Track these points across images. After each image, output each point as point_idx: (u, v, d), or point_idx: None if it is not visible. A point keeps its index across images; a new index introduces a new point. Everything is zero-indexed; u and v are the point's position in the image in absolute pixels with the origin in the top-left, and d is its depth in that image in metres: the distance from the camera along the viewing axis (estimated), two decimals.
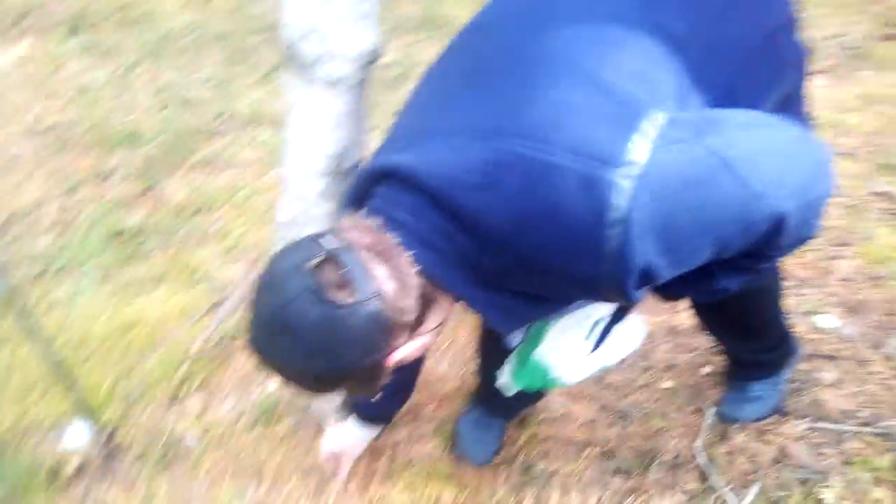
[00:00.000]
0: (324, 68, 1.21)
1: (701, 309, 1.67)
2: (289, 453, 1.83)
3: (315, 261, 0.97)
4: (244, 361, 2.14)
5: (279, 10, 1.23)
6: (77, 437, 1.90)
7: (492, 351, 1.72)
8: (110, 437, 1.87)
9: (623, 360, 1.42)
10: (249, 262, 2.52)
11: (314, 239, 1.02)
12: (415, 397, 1.93)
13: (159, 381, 2.07)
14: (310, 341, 0.98)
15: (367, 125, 1.36)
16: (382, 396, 1.17)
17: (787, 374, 1.85)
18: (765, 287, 1.58)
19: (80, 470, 1.83)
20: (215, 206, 2.77)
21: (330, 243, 0.99)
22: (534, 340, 1.36)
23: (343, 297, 0.96)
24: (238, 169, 2.93)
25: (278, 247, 1.48)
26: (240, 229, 2.65)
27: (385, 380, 1.15)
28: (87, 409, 1.72)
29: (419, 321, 1.06)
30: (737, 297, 1.46)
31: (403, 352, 1.06)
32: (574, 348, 1.34)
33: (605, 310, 1.33)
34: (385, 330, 1.00)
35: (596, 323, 1.35)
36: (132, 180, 2.90)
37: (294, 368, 1.04)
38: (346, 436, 1.69)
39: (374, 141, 1.20)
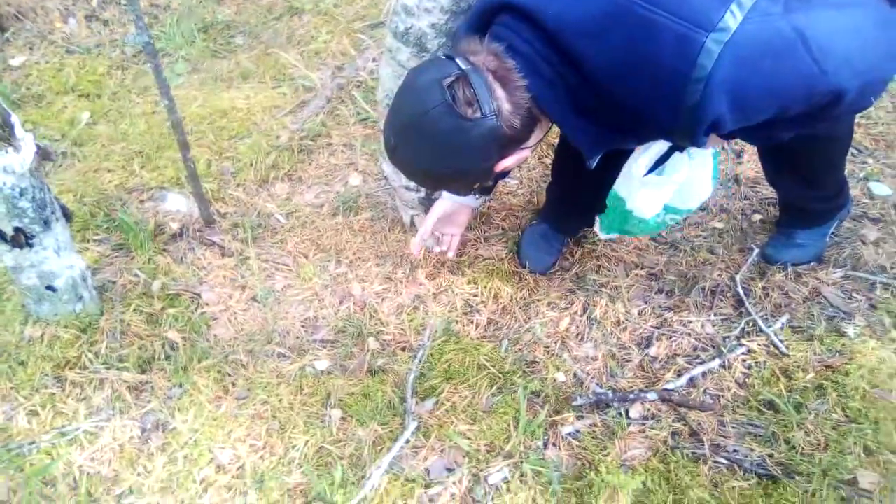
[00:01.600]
0: None
1: (769, 153, 1.78)
2: (366, 240, 2.03)
3: (450, 79, 1.18)
4: (326, 157, 2.31)
5: None
6: (179, 202, 2.12)
7: (563, 173, 1.86)
8: (208, 205, 2.08)
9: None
10: (333, 69, 2.63)
11: (449, 59, 1.22)
12: (487, 205, 2.10)
13: (250, 165, 2.25)
14: (439, 146, 1.22)
15: None
16: None
17: (832, 226, 1.98)
18: (836, 137, 1.67)
19: (182, 231, 2.05)
20: (302, 11, 2.84)
21: (463, 64, 1.19)
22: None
23: (470, 112, 1.17)
24: None
25: (392, 37, 1.60)
26: (325, 36, 2.73)
27: (490, 182, 1.40)
28: (194, 177, 1.90)
29: (523, 138, 1.28)
30: (808, 143, 1.57)
31: (508, 161, 1.29)
32: (641, 180, 1.51)
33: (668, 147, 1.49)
34: (498, 143, 1.23)
35: (661, 157, 1.49)
36: None
37: (423, 166, 1.31)
38: (455, 208, 1.73)
39: None
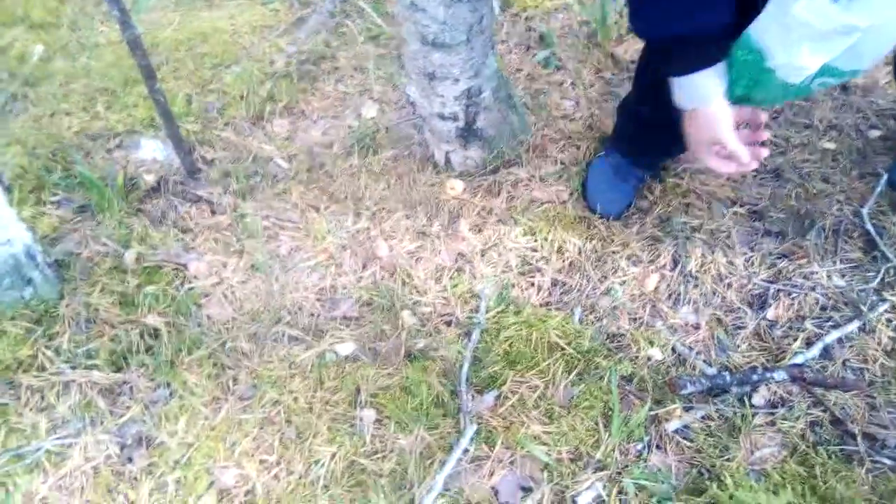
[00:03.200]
0: None
1: None
2: (390, 186, 1.62)
3: None
4: (333, 85, 1.88)
5: None
6: (155, 149, 1.70)
7: (648, 81, 1.41)
8: (191, 151, 1.67)
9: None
10: None
11: None
12: (539, 133, 1.67)
13: (240, 98, 1.82)
14: None
15: None
16: None
17: None
18: None
19: (159, 184, 1.64)
20: None
21: None
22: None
23: None
24: None
25: None
26: None
27: None
28: (167, 116, 1.49)
29: None
30: None
31: None
32: (799, 25, 0.97)
33: None
34: None
35: None
36: None
37: None
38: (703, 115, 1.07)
39: None
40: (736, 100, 1.14)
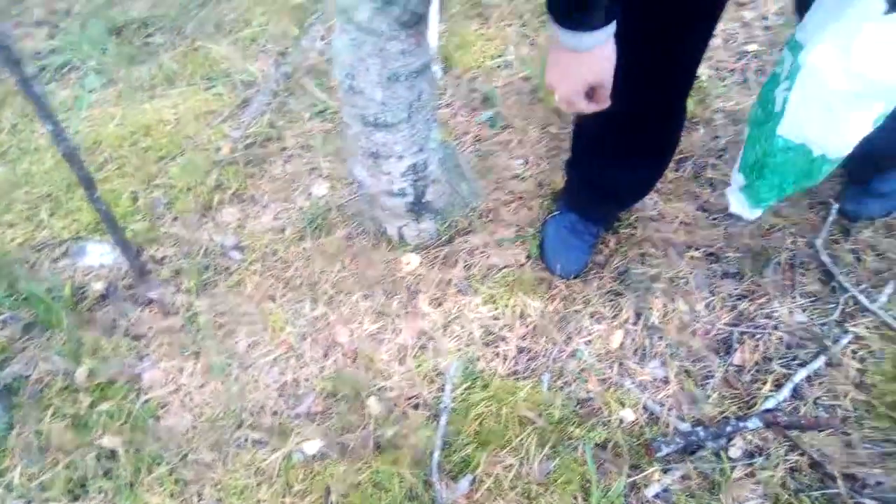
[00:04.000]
0: None
1: None
2: (346, 266, 1.60)
3: None
4: (282, 166, 1.86)
5: None
6: (101, 253, 1.67)
7: (587, 138, 1.41)
8: (139, 252, 1.63)
9: None
10: (275, 56, 2.16)
11: None
12: (490, 197, 1.67)
13: (187, 190, 1.80)
14: None
15: None
16: None
17: None
18: None
19: (108, 290, 1.61)
20: None
21: None
22: (767, 117, 1.03)
23: None
24: None
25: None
26: (260, 17, 2.26)
27: None
28: (111, 222, 1.46)
29: None
30: None
31: None
32: (835, 98, 0.93)
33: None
34: None
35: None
36: None
37: None
38: (593, 56, 0.98)
39: None
40: (777, 198, 1.13)
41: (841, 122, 0.95)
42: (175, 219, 1.75)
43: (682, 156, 1.75)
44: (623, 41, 0.96)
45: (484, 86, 1.97)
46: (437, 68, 1.98)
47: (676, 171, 1.72)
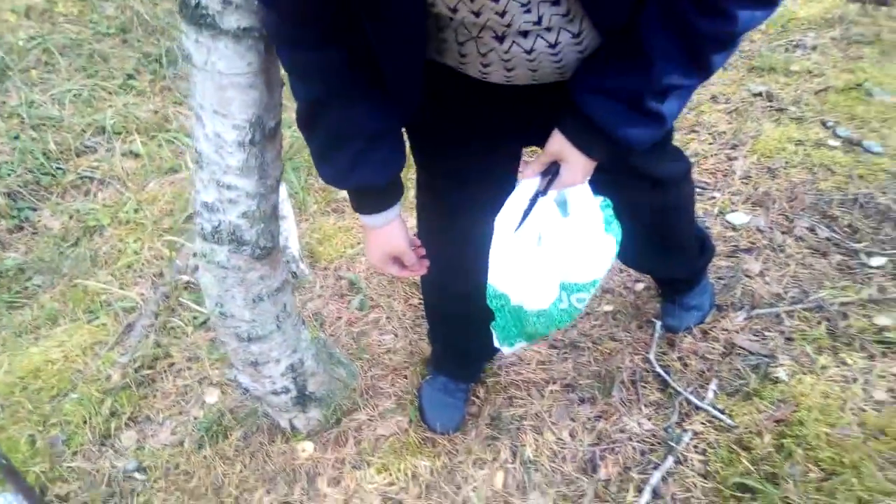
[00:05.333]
0: (231, 18, 1.09)
1: (630, 241, 1.58)
2: (247, 465, 1.71)
3: None
4: (172, 382, 1.99)
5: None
6: (5, 502, 1.70)
7: (428, 307, 1.67)
8: (42, 493, 1.69)
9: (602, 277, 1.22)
10: (152, 279, 2.33)
11: None
12: (367, 375, 1.86)
13: (83, 423, 1.88)
14: None
15: (281, 86, 1.24)
16: (380, 155, 1.10)
17: (708, 275, 1.89)
18: (683, 197, 1.57)
19: None
20: (101, 228, 2.54)
21: None
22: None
23: None
24: (117, 184, 2.70)
25: (203, 240, 1.36)
26: (133, 246, 2.44)
27: None
28: (11, 473, 1.52)
29: None
30: (661, 213, 1.46)
31: None
32: (521, 261, 1.16)
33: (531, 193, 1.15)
34: None
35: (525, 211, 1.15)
36: (1, 217, 2.61)
37: None
38: (383, 232, 1.21)
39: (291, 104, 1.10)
40: (523, 340, 1.31)
41: (527, 281, 1.17)
42: (75, 453, 1.82)
43: None
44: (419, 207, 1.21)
45: (348, 273, 2.21)
46: (304, 265, 2.21)
47: None
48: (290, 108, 1.19)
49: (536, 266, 1.16)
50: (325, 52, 0.97)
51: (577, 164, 1.06)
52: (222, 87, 1.18)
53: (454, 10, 0.91)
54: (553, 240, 1.15)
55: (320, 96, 1.02)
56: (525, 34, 0.93)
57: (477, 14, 0.91)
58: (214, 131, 1.23)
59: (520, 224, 1.14)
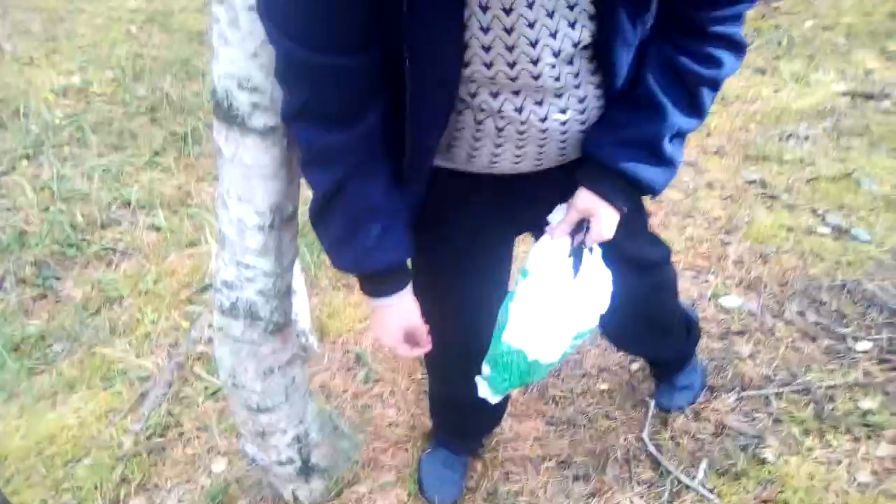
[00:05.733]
0: (259, 118, 1.22)
1: (619, 324, 1.56)
2: None
3: None
4: (182, 450, 2.06)
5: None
6: None
7: (440, 387, 1.75)
8: None
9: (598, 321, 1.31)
10: (167, 349, 2.43)
11: None
12: (369, 447, 1.93)
13: (94, 489, 1.95)
14: None
15: (300, 175, 1.36)
16: (399, 233, 1.14)
17: (698, 355, 1.97)
18: (666, 281, 1.67)
19: None
20: (121, 298, 2.66)
21: None
22: (500, 327, 1.30)
23: None
24: (138, 256, 2.84)
25: (221, 315, 1.46)
26: (151, 316, 2.55)
27: None
28: None
29: None
30: (645, 297, 1.54)
31: None
32: (543, 317, 1.25)
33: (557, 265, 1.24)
34: None
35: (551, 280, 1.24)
36: (26, 285, 2.74)
37: None
38: (397, 310, 1.25)
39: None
40: (514, 387, 1.37)
41: (546, 336, 1.25)
42: None
43: None
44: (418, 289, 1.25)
45: (355, 347, 2.30)
46: (313, 339, 2.31)
47: (524, 392, 2.06)
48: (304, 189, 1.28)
49: (555, 321, 1.25)
50: (353, 127, 1.02)
51: (608, 217, 1.17)
52: (248, 177, 1.31)
53: (489, 66, 0.98)
54: (570, 295, 1.25)
55: (340, 177, 1.05)
56: (540, 103, 1.04)
57: (512, 66, 0.98)
58: (238, 216, 1.36)
59: (575, 275, 1.23)
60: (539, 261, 1.24)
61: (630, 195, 1.17)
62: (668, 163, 1.12)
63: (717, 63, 1.05)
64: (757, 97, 3.51)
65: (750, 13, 4.34)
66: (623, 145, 1.10)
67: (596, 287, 1.26)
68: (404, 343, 1.28)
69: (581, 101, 1.07)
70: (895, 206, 2.62)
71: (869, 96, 3.38)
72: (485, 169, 1.18)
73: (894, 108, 3.28)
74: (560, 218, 1.23)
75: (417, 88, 0.99)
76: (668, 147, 1.10)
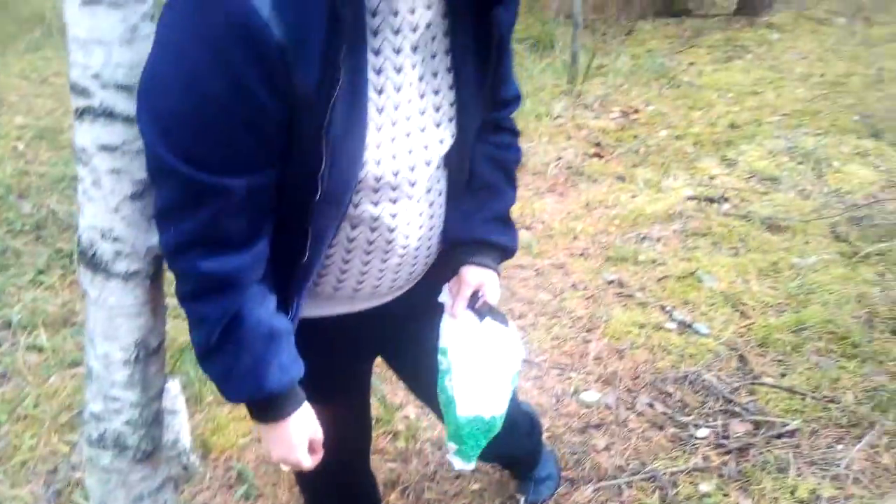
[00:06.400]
0: (121, 264, 1.35)
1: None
2: None
3: None
4: None
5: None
6: None
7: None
8: None
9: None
10: (45, 476, 2.40)
11: None
12: None
13: None
14: None
15: (165, 311, 1.48)
16: (280, 359, 1.13)
17: (545, 444, 2.14)
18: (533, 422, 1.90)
19: None
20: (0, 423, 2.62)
21: None
22: (448, 406, 1.40)
23: None
24: (18, 378, 2.81)
25: (89, 446, 1.53)
26: (29, 442, 2.52)
27: None
28: None
29: None
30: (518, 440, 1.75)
31: None
32: (480, 380, 1.37)
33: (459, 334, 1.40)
34: None
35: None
36: None
37: None
38: (302, 421, 1.22)
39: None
40: (479, 451, 1.45)
41: (491, 393, 1.39)
42: None
43: (403, 485, 2.21)
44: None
45: (238, 464, 2.36)
46: (194, 458, 2.34)
47: (401, 497, 2.17)
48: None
49: (492, 377, 1.40)
50: (252, 247, 1.03)
51: (494, 281, 1.41)
52: (112, 317, 1.42)
53: (379, 164, 1.08)
54: (492, 350, 1.40)
55: (237, 305, 1.04)
56: (418, 200, 1.19)
57: (396, 174, 1.11)
58: (104, 352, 1.46)
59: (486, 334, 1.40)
60: (452, 337, 1.41)
61: (500, 261, 1.42)
62: (515, 229, 1.43)
63: (513, 147, 1.41)
64: (616, 202, 3.87)
65: (611, 125, 4.82)
66: (487, 223, 1.37)
67: (506, 333, 1.43)
68: (311, 452, 1.24)
69: (430, 205, 1.25)
70: (732, 300, 2.96)
71: (711, 200, 3.80)
72: (346, 300, 1.32)
73: (733, 211, 3.70)
74: (447, 298, 1.43)
75: (322, 200, 1.01)
76: (509, 216, 1.42)
